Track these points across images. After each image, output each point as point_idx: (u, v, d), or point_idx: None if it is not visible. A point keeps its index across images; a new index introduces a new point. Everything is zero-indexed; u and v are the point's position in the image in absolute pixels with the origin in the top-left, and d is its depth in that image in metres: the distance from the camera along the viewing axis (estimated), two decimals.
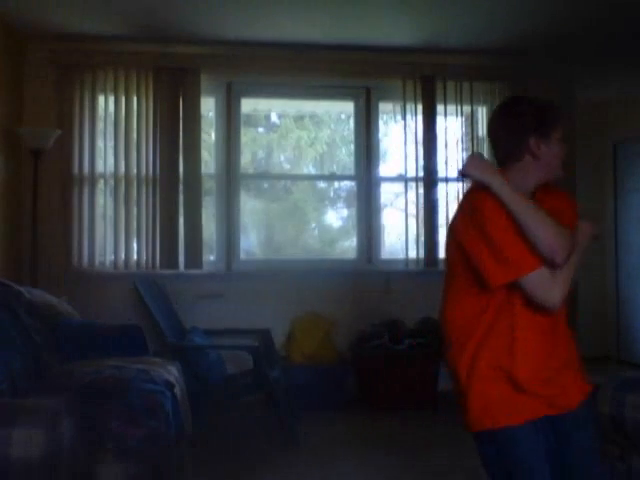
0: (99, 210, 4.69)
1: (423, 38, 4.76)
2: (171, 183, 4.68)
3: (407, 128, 5.00)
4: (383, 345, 4.58)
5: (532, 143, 1.84)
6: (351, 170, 5.28)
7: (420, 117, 5.00)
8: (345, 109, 5.44)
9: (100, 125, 4.72)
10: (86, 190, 4.64)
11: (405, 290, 4.94)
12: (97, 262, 4.63)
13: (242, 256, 5.05)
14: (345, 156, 5.62)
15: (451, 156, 5.08)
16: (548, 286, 1.80)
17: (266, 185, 5.53)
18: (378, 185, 5.15)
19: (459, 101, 5.05)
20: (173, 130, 4.69)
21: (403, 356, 4.57)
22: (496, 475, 1.90)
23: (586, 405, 1.93)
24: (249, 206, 5.38)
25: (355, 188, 5.22)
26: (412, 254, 4.95)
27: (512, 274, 1.75)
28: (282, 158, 5.70)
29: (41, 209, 4.44)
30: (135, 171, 4.67)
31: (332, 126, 5.75)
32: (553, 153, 1.87)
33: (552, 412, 1.83)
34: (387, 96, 5.12)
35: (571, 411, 1.87)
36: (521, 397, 1.79)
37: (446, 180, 5.02)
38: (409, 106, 4.99)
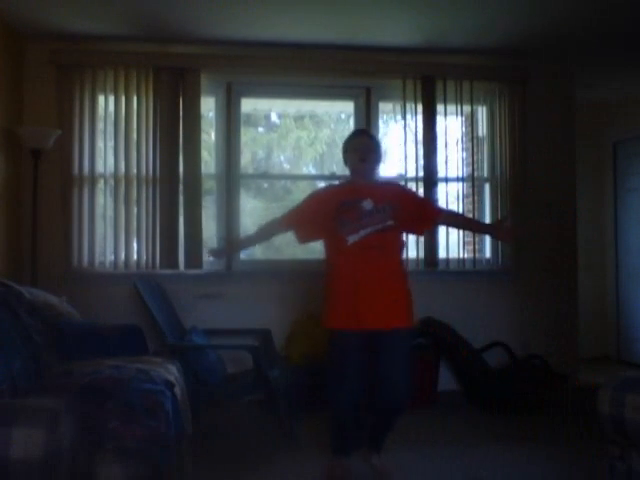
0: (99, 210, 4.69)
1: (423, 38, 4.76)
2: (171, 183, 4.68)
3: (407, 128, 5.00)
4: None
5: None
6: None
7: (420, 117, 5.00)
8: (345, 109, 5.44)
9: (100, 125, 4.72)
10: (86, 190, 4.64)
11: None
12: (97, 262, 4.63)
13: (242, 256, 5.05)
14: None
15: (451, 156, 5.09)
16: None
17: (266, 185, 5.53)
18: None
19: (459, 101, 5.05)
20: (173, 130, 4.69)
21: None
22: None
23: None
24: (249, 206, 5.38)
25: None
26: (412, 254, 4.95)
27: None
28: (282, 158, 5.70)
29: (41, 209, 4.45)
30: (135, 171, 4.67)
31: (332, 126, 5.75)
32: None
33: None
34: (387, 96, 5.12)
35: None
36: None
37: (446, 180, 5.03)
38: (409, 106, 4.99)
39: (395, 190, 3.32)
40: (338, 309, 3.08)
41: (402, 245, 3.24)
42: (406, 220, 3.16)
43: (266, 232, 3.42)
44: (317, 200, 3.25)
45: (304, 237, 3.28)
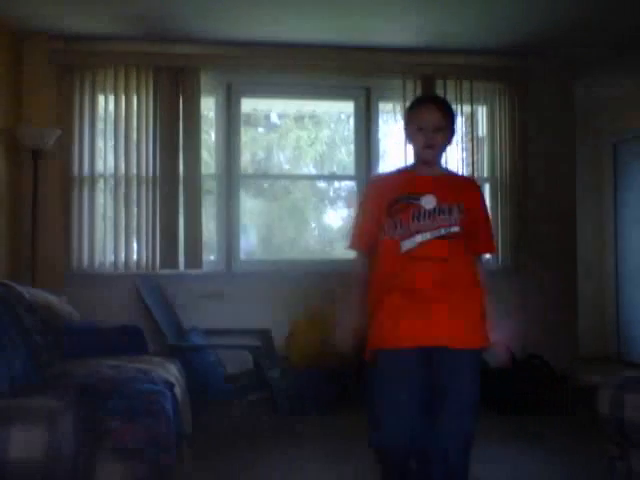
0: (99, 210, 4.69)
1: (423, 38, 4.76)
2: (171, 183, 4.68)
3: None
4: None
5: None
6: (351, 170, 5.28)
7: None
8: (345, 109, 5.44)
9: (100, 125, 4.72)
10: (86, 190, 4.64)
11: None
12: (97, 262, 4.63)
13: (242, 256, 5.05)
14: (345, 156, 5.62)
15: (451, 156, 5.08)
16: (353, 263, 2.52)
17: (266, 185, 5.53)
18: None
19: (459, 101, 5.04)
20: (173, 130, 4.69)
21: None
22: None
23: None
24: (249, 206, 5.38)
25: (355, 188, 5.22)
26: None
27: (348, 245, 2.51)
28: (282, 158, 5.70)
29: (41, 209, 4.45)
30: (135, 171, 4.67)
31: (332, 126, 5.75)
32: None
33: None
34: (387, 96, 5.12)
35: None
36: None
37: None
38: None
39: (469, 187, 2.52)
40: (387, 325, 2.33)
41: (474, 258, 2.43)
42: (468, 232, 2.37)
43: (362, 287, 2.48)
44: (372, 197, 2.47)
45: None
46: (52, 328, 3.18)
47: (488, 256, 3.25)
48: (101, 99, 4.72)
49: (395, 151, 5.15)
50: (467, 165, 5.18)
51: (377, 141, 5.15)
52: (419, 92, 4.99)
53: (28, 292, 3.18)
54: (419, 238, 2.29)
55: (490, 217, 2.58)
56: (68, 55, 4.62)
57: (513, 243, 5.08)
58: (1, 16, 4.25)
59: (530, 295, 5.15)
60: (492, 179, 5.17)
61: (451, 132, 2.43)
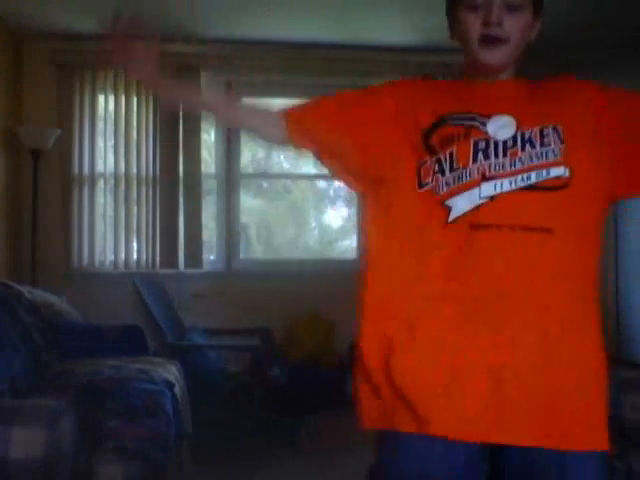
0: (99, 210, 4.69)
1: (423, 37, 4.76)
2: (171, 183, 4.68)
3: None
4: None
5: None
6: None
7: None
8: None
9: (100, 125, 4.72)
10: (86, 190, 4.64)
11: None
12: (97, 262, 4.63)
13: (242, 256, 5.05)
14: None
15: None
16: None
17: (266, 185, 5.53)
18: None
19: None
20: (173, 130, 4.69)
21: None
22: None
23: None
24: (249, 206, 5.38)
25: None
26: None
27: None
28: (282, 158, 5.70)
29: (41, 209, 4.44)
30: (135, 171, 4.67)
31: None
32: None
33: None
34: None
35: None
36: None
37: None
38: None
39: (571, 88, 1.42)
40: (431, 384, 1.23)
41: (597, 228, 1.35)
42: (612, 153, 1.34)
43: (248, 113, 1.66)
44: (399, 96, 1.42)
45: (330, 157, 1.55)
46: (52, 328, 3.18)
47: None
48: (101, 99, 4.71)
49: None
50: None
51: None
52: None
53: (28, 292, 3.19)
54: (488, 189, 1.24)
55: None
56: (68, 55, 4.62)
57: None
58: (1, 16, 4.25)
59: None
60: None
61: (536, 14, 1.46)
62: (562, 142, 1.28)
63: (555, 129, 1.29)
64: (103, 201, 4.70)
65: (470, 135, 1.29)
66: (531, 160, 1.26)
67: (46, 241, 4.51)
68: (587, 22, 4.44)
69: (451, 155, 1.27)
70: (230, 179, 4.93)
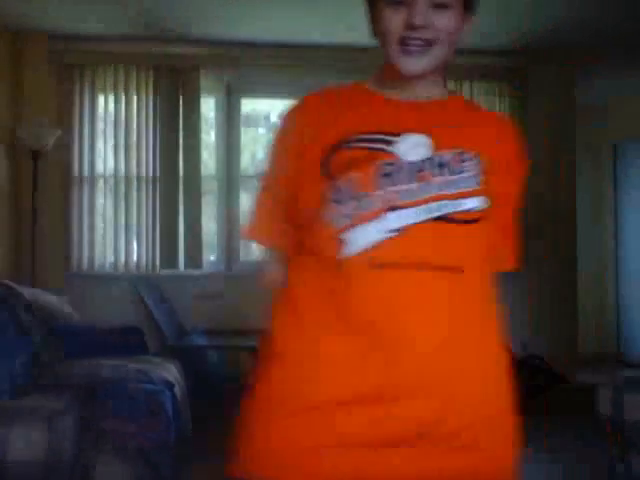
0: (99, 210, 4.69)
1: None
2: (171, 183, 4.68)
3: None
4: None
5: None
6: None
7: None
8: None
9: (100, 125, 4.72)
10: (86, 190, 4.64)
11: None
12: (97, 262, 4.63)
13: (242, 256, 5.05)
14: None
15: None
16: None
17: None
18: None
19: None
20: (173, 130, 4.69)
21: None
22: None
23: None
24: (249, 206, 5.38)
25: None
26: None
27: None
28: None
29: (41, 209, 4.44)
30: (135, 171, 4.67)
31: None
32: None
33: None
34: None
35: None
36: None
37: None
38: None
39: (499, 131, 1.25)
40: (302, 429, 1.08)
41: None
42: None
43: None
44: (294, 135, 1.22)
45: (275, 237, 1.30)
46: (52, 328, 3.18)
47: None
48: (101, 99, 4.72)
49: None
50: None
51: None
52: None
53: (28, 292, 3.19)
54: (394, 221, 1.06)
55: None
56: (68, 55, 4.62)
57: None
58: (1, 16, 4.25)
59: (530, 295, 5.15)
60: None
61: (467, 13, 1.26)
62: (482, 172, 1.13)
63: (477, 156, 1.13)
64: (103, 201, 4.70)
65: (374, 158, 1.09)
66: (442, 188, 1.08)
67: (46, 241, 4.51)
68: (587, 23, 4.44)
69: (352, 182, 1.07)
70: (230, 180, 4.93)
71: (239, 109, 5.02)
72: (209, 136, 5.15)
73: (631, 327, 6.28)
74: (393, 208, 1.05)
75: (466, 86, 5.04)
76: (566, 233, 5.29)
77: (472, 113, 1.26)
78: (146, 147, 4.68)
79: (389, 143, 1.11)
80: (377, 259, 1.05)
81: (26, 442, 1.97)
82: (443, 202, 1.07)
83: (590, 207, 6.39)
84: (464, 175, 1.10)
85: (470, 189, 1.10)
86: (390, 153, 1.09)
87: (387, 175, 1.07)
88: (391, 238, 1.05)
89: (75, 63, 4.63)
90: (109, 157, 4.70)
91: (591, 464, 3.27)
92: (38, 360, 2.84)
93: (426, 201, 1.07)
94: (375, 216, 1.05)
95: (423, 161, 1.09)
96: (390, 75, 1.20)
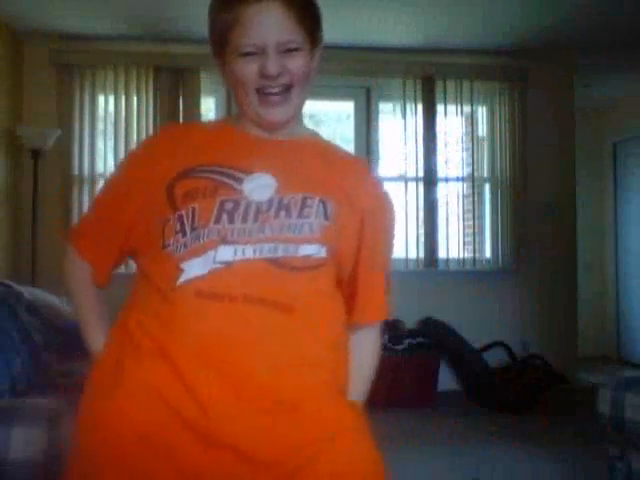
0: None
1: (423, 38, 4.76)
2: None
3: (407, 128, 5.00)
4: (383, 345, 4.58)
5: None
6: None
7: (420, 117, 5.00)
8: (345, 109, 5.44)
9: (100, 125, 4.72)
10: (86, 190, 4.64)
11: (405, 290, 4.94)
12: None
13: None
14: None
15: (451, 156, 5.09)
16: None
17: None
18: None
19: (459, 101, 5.05)
20: None
21: (403, 356, 4.58)
22: None
23: None
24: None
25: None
26: (412, 254, 4.95)
27: None
28: None
29: (41, 209, 4.44)
30: None
31: (332, 126, 5.75)
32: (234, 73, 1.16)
33: None
34: (387, 96, 5.11)
35: None
36: None
37: (446, 180, 5.03)
38: (409, 106, 4.99)
39: (356, 173, 1.26)
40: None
41: (341, 314, 1.22)
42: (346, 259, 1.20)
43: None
44: (143, 160, 1.23)
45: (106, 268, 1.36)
46: (52, 328, 3.17)
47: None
48: (101, 99, 4.72)
49: (395, 151, 5.15)
50: (467, 165, 5.18)
51: (377, 141, 5.15)
52: (419, 92, 4.99)
53: (28, 292, 3.18)
54: (224, 254, 1.08)
55: (390, 255, 1.38)
56: (68, 55, 4.62)
57: (513, 243, 5.08)
58: (1, 16, 4.25)
59: (530, 295, 5.15)
60: (492, 179, 5.17)
61: (315, 49, 1.20)
62: (326, 218, 1.12)
63: (323, 203, 1.13)
64: None
65: (218, 191, 1.10)
66: (281, 230, 1.09)
67: (46, 241, 4.51)
68: (587, 23, 4.44)
69: (193, 212, 1.09)
70: None
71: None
72: None
73: (631, 327, 6.28)
74: (225, 242, 1.08)
75: (466, 86, 5.04)
76: (566, 233, 5.29)
77: (330, 156, 1.25)
78: None
79: (238, 180, 1.12)
80: (205, 288, 1.07)
81: (26, 442, 1.97)
82: (278, 245, 1.09)
83: (590, 207, 6.39)
84: (306, 220, 1.11)
85: (307, 235, 1.10)
86: (235, 189, 1.11)
87: (227, 211, 1.09)
88: (219, 270, 1.07)
89: (75, 63, 4.63)
90: (109, 157, 4.70)
91: (591, 464, 3.27)
92: (38, 360, 2.83)
93: (260, 241, 1.08)
94: (208, 248, 1.07)
95: (268, 202, 1.11)
96: (254, 119, 1.19)
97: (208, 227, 1.08)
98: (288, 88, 1.14)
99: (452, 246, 5.01)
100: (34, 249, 4.37)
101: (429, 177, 4.96)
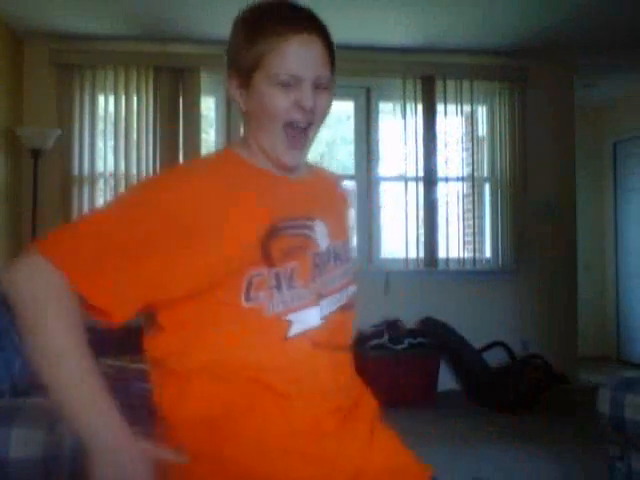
0: None
1: (423, 38, 4.76)
2: None
3: (407, 128, 5.00)
4: (383, 345, 4.59)
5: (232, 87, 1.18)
6: (351, 170, 5.28)
7: (420, 117, 5.00)
8: (345, 109, 5.44)
9: (100, 125, 4.72)
10: (86, 190, 4.64)
11: (405, 290, 4.94)
12: None
13: None
14: (345, 156, 5.62)
15: (451, 156, 5.09)
16: None
17: None
18: (378, 185, 5.16)
19: (459, 101, 5.05)
20: (173, 130, 4.69)
21: (403, 356, 4.58)
22: None
23: None
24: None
25: (355, 188, 5.23)
26: (412, 254, 4.95)
27: None
28: None
29: (41, 209, 4.44)
30: (135, 171, 4.67)
31: (332, 126, 5.75)
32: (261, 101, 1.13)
33: None
34: (387, 96, 5.12)
35: None
36: None
37: (446, 180, 5.03)
38: (409, 106, 4.99)
39: (342, 198, 1.38)
40: None
41: None
42: None
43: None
44: (212, 211, 1.08)
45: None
46: None
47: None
48: (101, 99, 4.72)
49: (395, 151, 5.15)
50: (467, 165, 5.18)
51: (377, 141, 5.15)
52: (419, 92, 4.98)
53: None
54: (324, 308, 1.16)
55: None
56: (68, 55, 4.62)
57: (513, 243, 5.08)
58: (1, 16, 4.25)
59: (530, 295, 5.15)
60: (492, 179, 5.17)
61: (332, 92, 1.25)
62: (351, 257, 1.28)
63: (347, 243, 1.28)
64: (103, 201, 4.70)
65: (308, 248, 1.14)
66: (342, 278, 1.22)
67: None
68: (587, 23, 4.44)
69: (292, 271, 1.10)
70: None
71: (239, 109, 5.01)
72: (209, 136, 5.15)
73: (631, 327, 6.28)
74: (321, 297, 1.15)
75: (466, 86, 5.04)
76: (566, 233, 5.29)
77: (327, 184, 1.33)
78: (146, 147, 4.68)
79: (313, 230, 1.16)
80: (316, 340, 1.13)
81: (26, 442, 1.97)
82: (342, 292, 1.21)
83: (590, 207, 6.39)
84: (347, 265, 1.24)
85: (350, 278, 1.24)
86: (315, 241, 1.16)
87: (317, 266, 1.15)
88: (323, 324, 1.14)
89: (75, 63, 4.63)
90: (109, 157, 4.70)
91: (591, 464, 3.27)
92: None
93: (335, 291, 1.19)
94: (311, 305, 1.12)
95: (327, 250, 1.19)
96: (264, 154, 1.17)
97: (308, 287, 1.12)
98: (310, 125, 1.15)
99: (452, 246, 5.01)
100: None
101: (429, 177, 4.96)
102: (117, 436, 1.00)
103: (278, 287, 1.08)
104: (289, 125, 1.12)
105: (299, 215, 1.16)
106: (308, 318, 1.12)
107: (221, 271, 1.06)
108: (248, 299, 1.07)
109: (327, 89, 1.19)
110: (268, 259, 1.08)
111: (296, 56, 1.11)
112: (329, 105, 1.20)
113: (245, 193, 1.12)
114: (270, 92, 1.11)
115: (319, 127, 1.18)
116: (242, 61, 1.15)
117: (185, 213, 1.05)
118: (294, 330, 1.10)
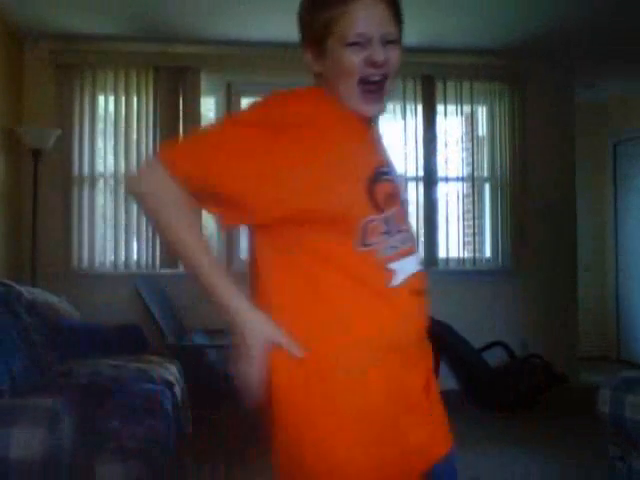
0: (99, 210, 4.69)
1: (423, 38, 4.76)
2: None
3: (407, 128, 5.00)
4: None
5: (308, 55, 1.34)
6: None
7: (420, 117, 5.00)
8: None
9: (100, 125, 4.73)
10: (86, 190, 4.64)
11: None
12: (97, 262, 4.63)
13: (242, 256, 5.04)
14: None
15: (451, 156, 5.09)
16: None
17: None
18: None
19: (459, 101, 5.05)
20: (173, 130, 4.69)
21: None
22: None
23: None
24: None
25: None
26: None
27: None
28: None
29: (41, 209, 4.44)
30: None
31: None
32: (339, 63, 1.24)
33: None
34: (387, 96, 5.11)
35: None
36: None
37: (446, 180, 5.03)
38: (409, 106, 4.99)
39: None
40: (386, 426, 1.26)
41: None
42: None
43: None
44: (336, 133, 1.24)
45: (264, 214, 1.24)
46: (52, 328, 3.18)
47: None
48: (101, 99, 4.72)
49: (395, 151, 5.15)
50: (467, 165, 5.18)
51: None
52: (419, 92, 4.98)
53: (28, 292, 3.19)
54: (420, 256, 1.31)
55: None
56: (68, 55, 4.62)
57: (513, 243, 5.08)
58: (1, 16, 4.25)
59: (530, 295, 5.15)
60: (492, 179, 5.17)
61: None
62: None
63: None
64: (103, 201, 4.70)
65: (400, 194, 1.26)
66: (411, 229, 1.30)
67: (46, 241, 4.51)
68: (587, 23, 4.44)
69: (394, 216, 1.20)
70: None
71: (239, 109, 5.01)
72: None
73: (631, 327, 6.28)
74: (415, 244, 1.28)
75: (466, 86, 5.04)
76: (566, 233, 5.29)
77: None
78: (146, 147, 4.68)
79: (394, 174, 1.28)
80: (414, 287, 1.23)
81: (26, 442, 1.97)
82: (413, 236, 1.30)
83: (590, 207, 6.39)
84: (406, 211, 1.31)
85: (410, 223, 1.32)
86: (401, 187, 1.28)
87: (406, 212, 1.28)
88: (419, 270, 1.25)
89: (75, 63, 4.63)
90: (109, 157, 4.70)
91: (591, 464, 3.27)
92: (38, 360, 2.84)
93: (414, 242, 1.30)
94: (412, 251, 1.24)
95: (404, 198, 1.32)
96: (349, 105, 1.27)
97: (407, 231, 1.24)
98: (385, 78, 1.24)
99: (452, 246, 5.01)
100: (34, 249, 4.37)
101: (429, 177, 4.96)
102: (252, 310, 1.27)
103: (389, 233, 1.19)
104: (363, 81, 1.22)
105: (384, 161, 1.26)
106: (408, 266, 1.21)
107: (335, 194, 1.15)
108: (364, 244, 1.16)
109: (396, 43, 1.27)
110: (375, 203, 1.17)
111: (362, 17, 1.20)
112: (400, 56, 1.28)
113: (354, 128, 1.25)
114: (343, 53, 1.21)
115: (394, 79, 1.27)
116: (314, 32, 1.28)
117: (308, 122, 1.24)
118: (398, 278, 1.19)
